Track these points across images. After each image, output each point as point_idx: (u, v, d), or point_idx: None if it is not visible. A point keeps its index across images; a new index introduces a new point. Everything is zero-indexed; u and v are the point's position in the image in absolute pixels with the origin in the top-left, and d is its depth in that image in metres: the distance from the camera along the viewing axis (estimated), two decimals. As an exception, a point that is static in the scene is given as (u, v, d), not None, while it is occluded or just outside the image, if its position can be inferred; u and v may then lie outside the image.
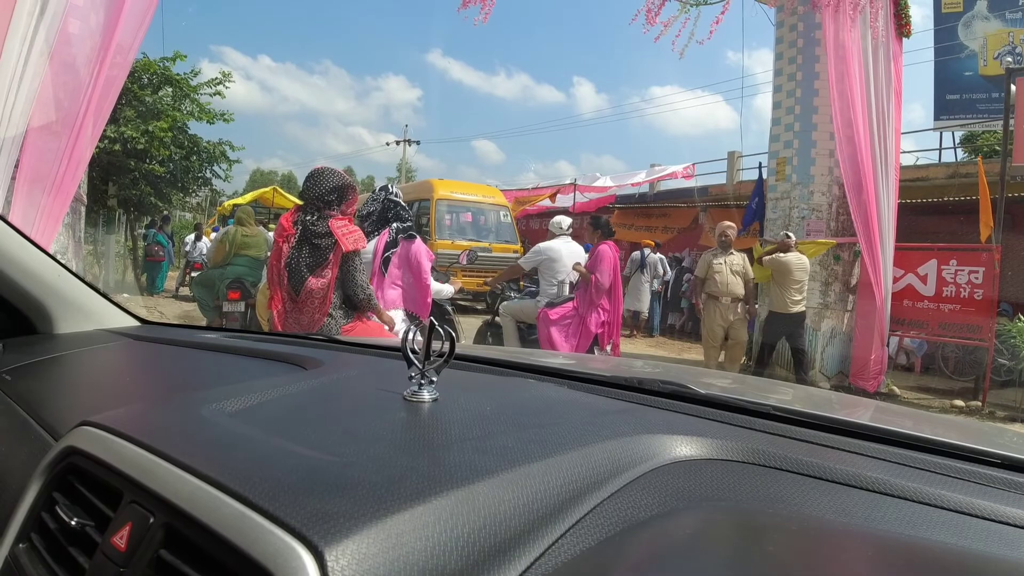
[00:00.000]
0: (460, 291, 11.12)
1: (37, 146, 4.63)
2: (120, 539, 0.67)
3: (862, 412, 1.48)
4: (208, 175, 15.06)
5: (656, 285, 13.12)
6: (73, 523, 0.74)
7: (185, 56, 13.54)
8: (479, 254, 9.69)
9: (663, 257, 13.28)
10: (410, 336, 0.99)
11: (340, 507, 0.57)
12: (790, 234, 7.17)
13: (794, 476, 0.79)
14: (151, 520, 0.65)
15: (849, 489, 0.77)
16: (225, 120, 14.55)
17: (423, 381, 0.98)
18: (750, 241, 9.35)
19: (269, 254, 8.41)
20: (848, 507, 0.72)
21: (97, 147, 10.47)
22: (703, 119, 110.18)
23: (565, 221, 6.53)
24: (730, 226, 7.09)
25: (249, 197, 22.19)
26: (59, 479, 0.83)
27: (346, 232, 3.52)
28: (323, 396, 1.06)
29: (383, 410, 0.97)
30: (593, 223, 6.44)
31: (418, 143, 39.17)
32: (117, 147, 11.52)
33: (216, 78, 14.04)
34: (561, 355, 3.12)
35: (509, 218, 16.07)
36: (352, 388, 1.14)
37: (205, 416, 0.86)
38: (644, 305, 12.70)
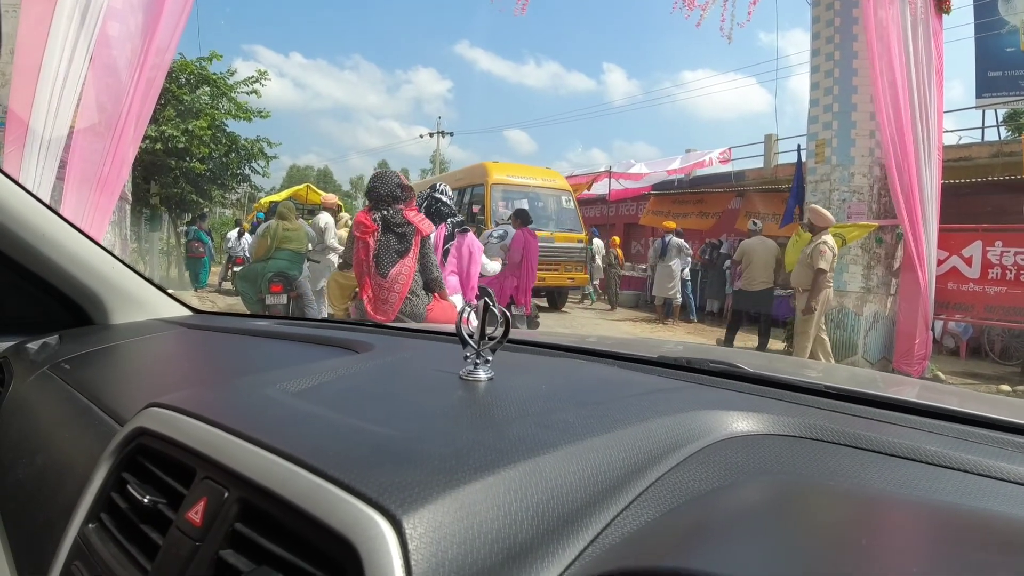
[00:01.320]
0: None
1: (83, 147, 4.72)
2: (195, 514, 0.67)
3: (911, 390, 1.45)
4: (247, 172, 15.29)
5: (686, 272, 12.92)
6: (146, 501, 0.75)
7: (221, 56, 13.84)
8: (541, 243, 9.42)
9: (683, 242, 12.90)
10: (465, 316, 1.00)
11: (413, 477, 0.58)
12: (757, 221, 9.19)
13: (853, 450, 0.79)
14: (226, 495, 0.66)
15: (909, 462, 0.76)
16: (262, 117, 14.80)
17: (479, 360, 0.99)
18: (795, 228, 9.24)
19: (311, 247, 8.60)
20: (909, 480, 0.71)
21: (140, 146, 10.84)
22: (737, 103, 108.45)
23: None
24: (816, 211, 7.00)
25: (284, 194, 22.45)
26: (128, 460, 0.84)
27: (420, 219, 4.15)
28: (380, 376, 1.07)
29: (441, 389, 0.98)
30: (514, 214, 8.77)
31: (451, 135, 39.02)
32: (159, 146, 11.80)
33: (252, 76, 14.29)
34: (610, 339, 3.04)
35: (572, 204, 14.25)
36: (408, 369, 1.15)
37: (269, 395, 0.88)
38: (673, 291, 12.54)
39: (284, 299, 7.05)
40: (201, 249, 15.21)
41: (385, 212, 4.06)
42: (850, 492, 0.67)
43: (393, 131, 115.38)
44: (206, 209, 16.86)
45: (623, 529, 0.59)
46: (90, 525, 0.82)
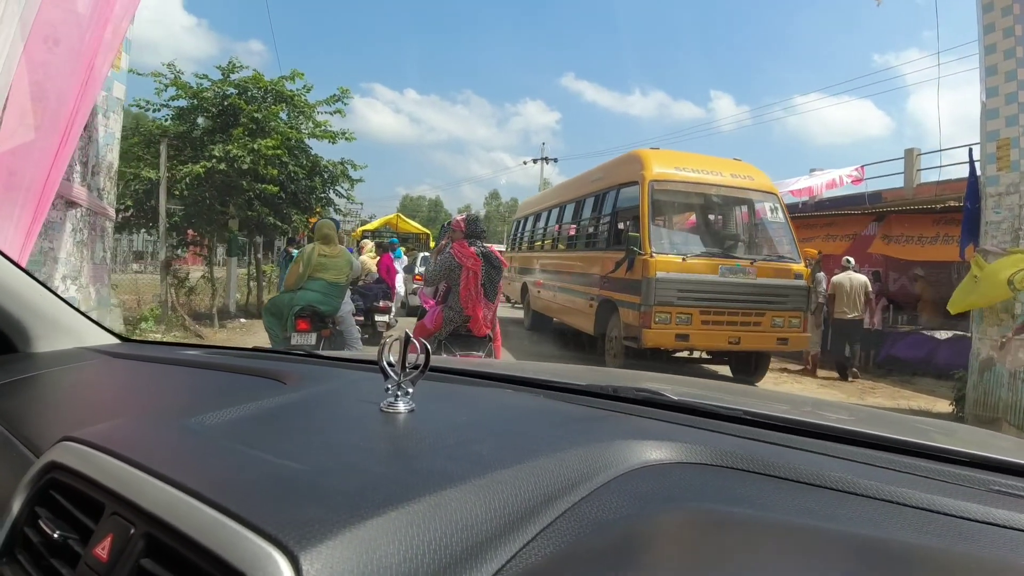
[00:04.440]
0: (694, 352, 8.78)
1: (12, 146, 3.63)
2: (102, 550, 0.67)
3: (831, 415, 1.43)
4: (331, 195, 14.40)
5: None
6: (56, 536, 0.75)
7: (303, 74, 12.97)
8: (729, 277, 7.88)
9: (822, 274, 10.28)
10: (385, 350, 1.01)
11: (314, 513, 0.58)
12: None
13: (761, 477, 0.83)
14: (132, 531, 0.66)
15: (815, 488, 0.80)
16: (347, 139, 13.78)
17: (399, 393, 1.01)
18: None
19: (364, 277, 7.36)
20: (812, 506, 0.75)
21: (204, 166, 10.04)
22: (852, 126, 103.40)
23: None
24: None
25: (377, 223, 22.08)
26: (41, 494, 0.84)
27: (500, 255, 5.36)
28: (301, 409, 1.06)
29: (359, 421, 0.99)
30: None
31: (555, 160, 37.79)
32: (223, 166, 11.03)
33: (334, 95, 13.27)
34: (539, 366, 3.18)
35: (780, 214, 8.93)
36: (330, 401, 1.13)
37: (183, 430, 0.88)
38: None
39: (312, 339, 5.78)
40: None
41: (483, 250, 5.01)
42: (749, 520, 0.70)
43: (503, 162, 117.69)
44: (292, 235, 16.01)
45: (527, 561, 0.60)
46: (3, 559, 0.82)
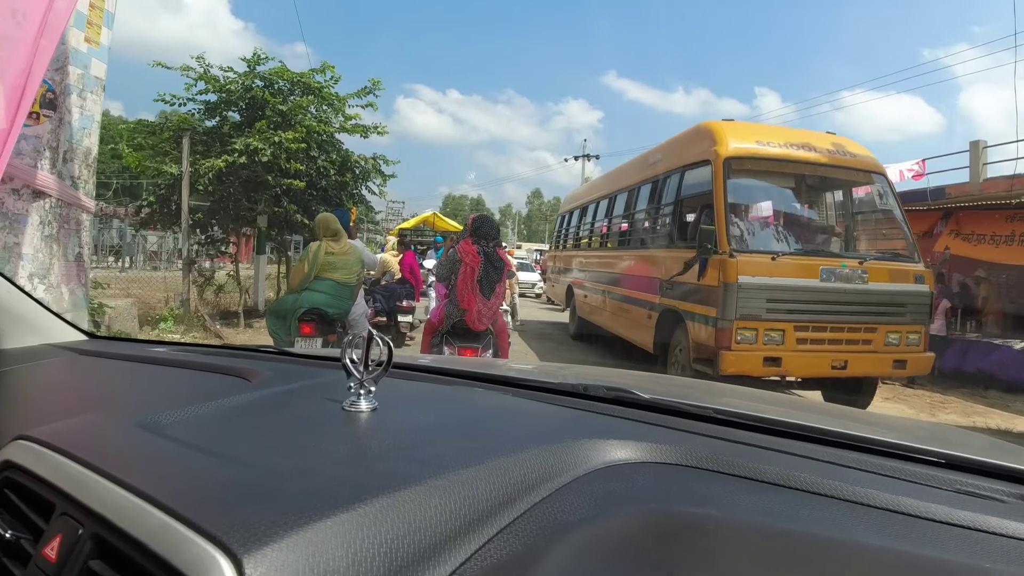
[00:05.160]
0: (785, 380, 6.67)
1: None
2: (51, 550, 0.67)
3: (801, 414, 1.42)
4: (363, 191, 13.81)
5: None
6: (8, 536, 0.75)
7: (333, 67, 12.33)
8: (833, 282, 6.12)
9: None
10: (349, 347, 1.01)
11: (262, 516, 0.57)
12: None
13: (727, 477, 0.84)
14: (80, 531, 0.66)
15: (780, 489, 0.80)
16: (379, 133, 13.12)
17: (361, 391, 0.99)
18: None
19: (384, 277, 6.93)
20: (775, 507, 0.76)
21: (225, 160, 9.53)
22: (901, 123, 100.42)
23: None
24: None
25: (413, 222, 21.82)
26: None
27: (509, 258, 5.76)
28: (262, 409, 1.06)
29: (320, 421, 0.98)
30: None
31: (596, 157, 36.84)
32: (243, 159, 10.43)
33: (365, 87, 12.49)
34: (511, 364, 3.10)
35: (891, 199, 7.09)
36: (293, 400, 1.13)
37: (139, 429, 0.86)
38: None
39: (318, 344, 5.22)
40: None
41: (487, 249, 5.08)
42: (710, 520, 0.70)
43: (545, 161, 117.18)
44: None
45: (483, 562, 0.60)
46: None
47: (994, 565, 0.65)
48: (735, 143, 6.72)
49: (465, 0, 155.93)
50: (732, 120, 7.54)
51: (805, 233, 7.15)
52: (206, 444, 0.80)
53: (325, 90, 12.12)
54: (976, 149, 13.02)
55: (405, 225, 22.48)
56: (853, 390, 6.88)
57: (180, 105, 11.78)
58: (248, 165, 10.69)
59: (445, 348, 5.36)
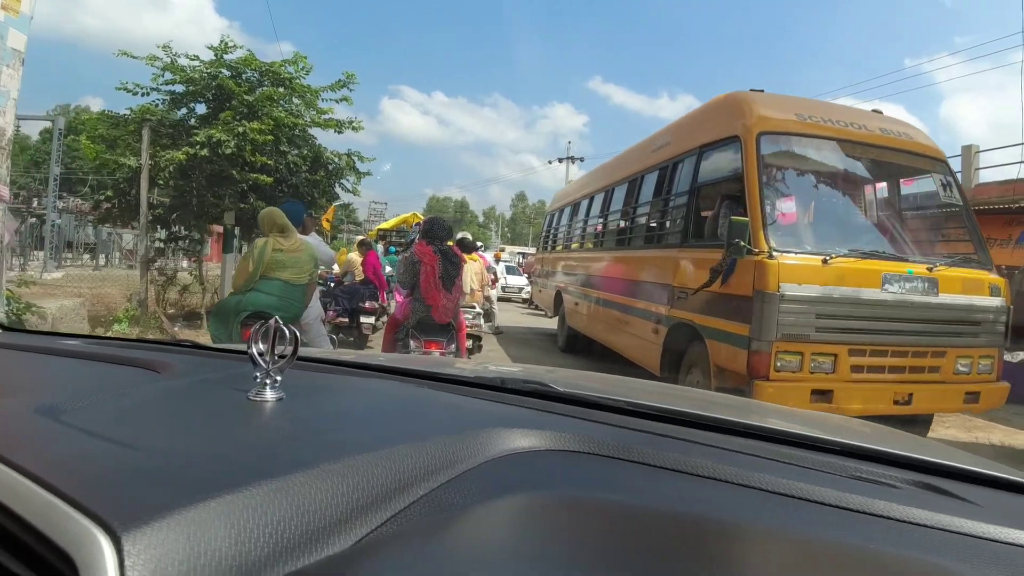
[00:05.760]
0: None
1: None
2: None
3: (709, 406, 1.52)
4: (336, 189, 13.19)
5: None
6: None
7: (306, 57, 11.68)
8: (897, 292, 4.82)
9: None
10: (256, 337, 1.00)
11: (147, 496, 0.58)
12: None
13: (626, 463, 0.86)
14: None
15: (677, 474, 0.84)
16: (355, 129, 12.37)
17: (267, 381, 0.99)
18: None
19: (341, 273, 6.55)
20: (671, 491, 0.79)
21: (185, 152, 8.92)
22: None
23: None
24: None
25: (394, 222, 21.36)
26: None
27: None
28: (167, 399, 1.06)
29: (224, 410, 0.98)
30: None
31: (581, 160, 36.23)
32: (205, 152, 9.68)
33: (340, 80, 11.65)
34: (429, 358, 3.24)
35: (955, 192, 5.72)
36: (199, 391, 1.12)
37: (38, 415, 0.85)
38: None
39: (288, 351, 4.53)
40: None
41: (443, 248, 5.53)
42: (604, 505, 0.72)
43: (530, 164, 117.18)
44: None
45: (373, 544, 0.61)
46: None
47: (878, 546, 0.69)
48: (771, 114, 5.37)
49: (452, 2, 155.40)
50: (762, 91, 5.94)
51: (858, 229, 5.76)
52: (103, 431, 0.78)
53: (296, 81, 11.39)
54: (968, 154, 12.75)
55: (385, 225, 22.15)
56: (906, 424, 5.05)
57: (143, 95, 11.09)
58: (211, 158, 9.95)
59: (411, 342, 5.54)
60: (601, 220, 9.59)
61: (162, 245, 12.12)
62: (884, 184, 6.25)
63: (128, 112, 11.10)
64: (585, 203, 10.62)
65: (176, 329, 9.37)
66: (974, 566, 0.67)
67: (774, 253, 4.65)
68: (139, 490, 0.60)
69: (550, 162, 39.96)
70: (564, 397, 1.22)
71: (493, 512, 0.67)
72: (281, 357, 0.99)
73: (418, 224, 6.48)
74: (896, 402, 4.80)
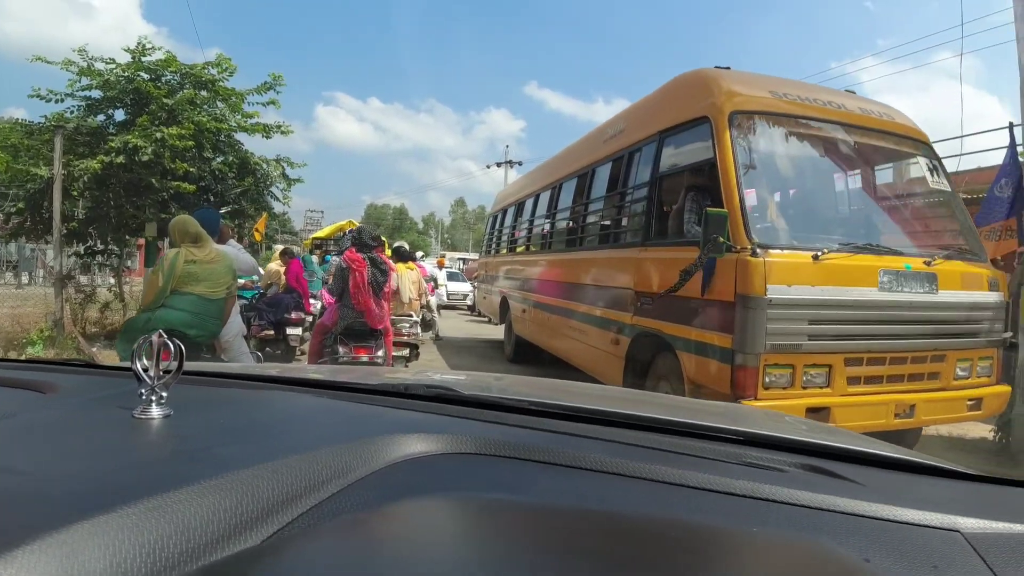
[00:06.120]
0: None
1: None
2: None
3: (609, 401, 1.54)
4: (267, 198, 12.58)
5: None
6: None
7: (229, 58, 11.08)
8: (895, 290, 4.23)
9: None
10: (139, 353, 0.96)
11: (18, 520, 0.56)
12: None
13: (522, 462, 0.87)
14: None
15: (570, 470, 0.85)
16: (283, 132, 11.79)
17: (153, 398, 0.96)
18: (1007, 246, 5.61)
19: (264, 284, 6.30)
20: (564, 486, 0.82)
21: (100, 160, 8.36)
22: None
23: None
24: None
25: (329, 230, 20.88)
26: None
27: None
28: (51, 420, 1.02)
29: (109, 430, 0.95)
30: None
31: (519, 164, 36.04)
32: (120, 159, 9.05)
33: (266, 83, 11.10)
34: (329, 368, 3.11)
35: (943, 177, 5.13)
36: (85, 411, 1.10)
37: None
38: None
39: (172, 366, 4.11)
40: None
41: (371, 255, 5.74)
42: (498, 504, 0.73)
43: (469, 170, 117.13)
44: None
45: (260, 557, 0.59)
46: None
47: (760, 528, 0.72)
48: (743, 90, 4.71)
49: (383, 8, 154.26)
50: (728, 67, 5.20)
51: (845, 220, 5.25)
52: None
53: (219, 84, 10.81)
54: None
55: (320, 234, 21.53)
56: (896, 440, 4.06)
57: (58, 101, 10.40)
58: (128, 166, 9.34)
59: (339, 348, 5.68)
60: (549, 220, 8.86)
61: (81, 260, 11.40)
62: (868, 169, 5.49)
63: (43, 120, 10.40)
64: (530, 202, 9.85)
65: (94, 350, 8.73)
66: (850, 543, 0.70)
67: (758, 250, 3.98)
68: (10, 514, 0.58)
69: (488, 166, 39.79)
70: (468, 400, 1.22)
71: (385, 518, 0.67)
72: (166, 372, 0.96)
73: (350, 231, 6.77)
74: (898, 415, 4.26)
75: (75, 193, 9.72)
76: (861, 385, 4.16)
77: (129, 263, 12.27)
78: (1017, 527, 0.77)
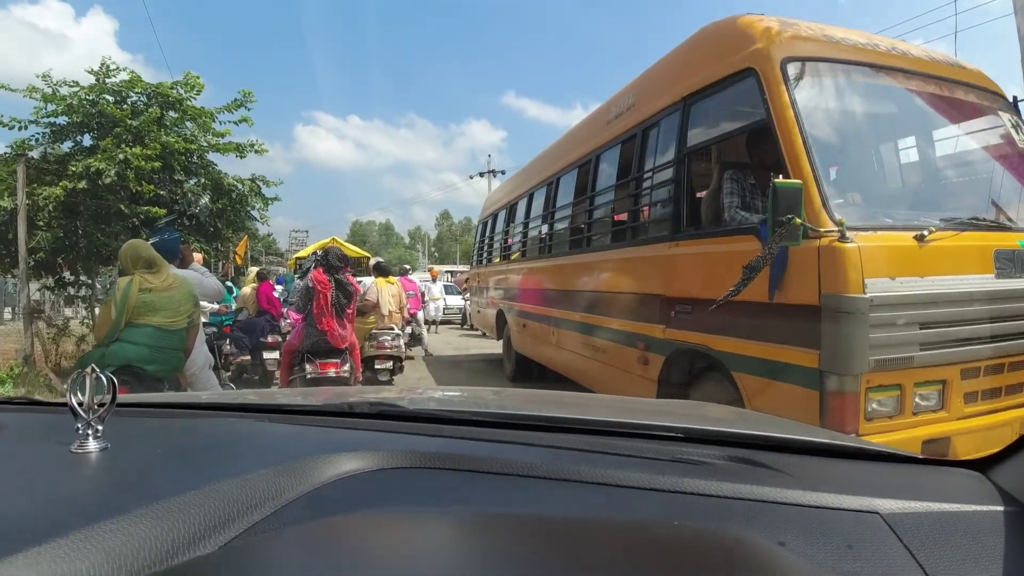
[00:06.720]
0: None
1: None
2: None
3: (550, 406, 1.53)
4: (243, 217, 12.18)
5: None
6: None
7: (198, 76, 10.74)
8: (1013, 277, 3.30)
9: None
10: (73, 387, 0.98)
11: None
12: None
13: (457, 473, 0.90)
14: None
15: (500, 476, 0.87)
16: (257, 152, 11.34)
17: (89, 432, 0.97)
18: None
19: (211, 308, 6.40)
20: (491, 494, 0.84)
21: (63, 186, 7.95)
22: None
23: None
24: None
25: (311, 249, 20.61)
26: None
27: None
28: None
29: (44, 465, 0.95)
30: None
31: (502, 173, 35.72)
32: (83, 184, 8.59)
33: (236, 100, 10.57)
34: (283, 391, 3.14)
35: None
36: (19, 447, 1.09)
37: None
38: None
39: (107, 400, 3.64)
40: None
41: (337, 276, 5.92)
42: (420, 515, 0.76)
43: (452, 182, 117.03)
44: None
45: None
46: None
47: (682, 521, 0.75)
48: (797, 33, 3.68)
49: (357, 24, 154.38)
50: (772, 16, 3.93)
51: (938, 190, 4.14)
52: None
53: (187, 102, 10.31)
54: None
55: (303, 254, 21.35)
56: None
57: (21, 128, 9.95)
58: (92, 191, 8.86)
59: (307, 366, 5.88)
60: (546, 221, 7.69)
61: (52, 293, 10.95)
62: (950, 127, 4.21)
63: (8, 150, 9.97)
64: (523, 203, 8.68)
65: (66, 387, 8.32)
66: (766, 529, 0.72)
67: (847, 233, 3.00)
68: None
69: (471, 177, 39.65)
70: (412, 415, 1.23)
71: (315, 538, 0.67)
72: (101, 406, 0.96)
73: (315, 253, 6.43)
74: None
75: (40, 223, 9.26)
76: (980, 403, 3.21)
77: (103, 296, 11.75)
78: (934, 506, 0.79)
